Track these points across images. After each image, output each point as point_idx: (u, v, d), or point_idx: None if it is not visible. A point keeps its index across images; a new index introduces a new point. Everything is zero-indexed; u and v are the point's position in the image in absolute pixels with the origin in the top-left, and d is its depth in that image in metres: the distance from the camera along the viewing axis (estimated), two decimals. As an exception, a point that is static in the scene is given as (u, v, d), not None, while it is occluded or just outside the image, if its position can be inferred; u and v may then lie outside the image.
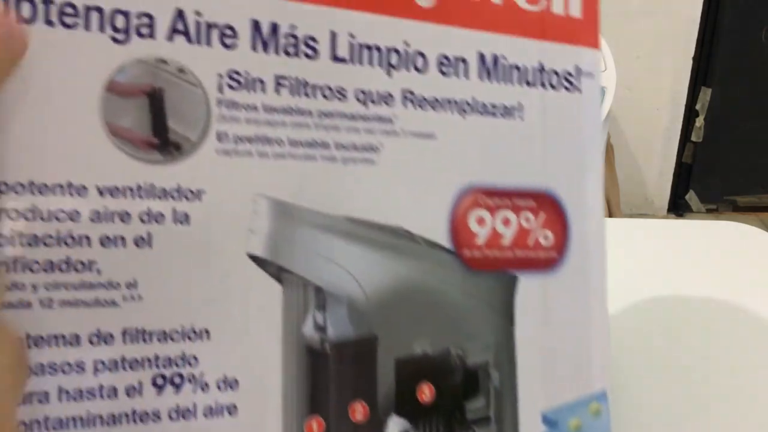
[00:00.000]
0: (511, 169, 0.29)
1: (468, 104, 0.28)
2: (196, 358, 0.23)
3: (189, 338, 0.23)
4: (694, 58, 2.10)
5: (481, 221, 0.28)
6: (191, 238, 0.23)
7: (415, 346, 0.27)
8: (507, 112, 0.29)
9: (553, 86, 0.30)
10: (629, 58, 1.96)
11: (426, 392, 0.27)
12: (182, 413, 0.23)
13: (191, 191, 0.23)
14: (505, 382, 0.28)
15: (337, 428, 0.25)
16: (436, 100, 0.28)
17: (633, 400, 0.54)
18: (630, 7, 1.95)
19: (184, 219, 0.23)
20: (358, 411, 0.26)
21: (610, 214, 1.79)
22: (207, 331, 0.23)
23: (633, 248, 0.74)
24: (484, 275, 0.28)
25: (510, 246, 0.29)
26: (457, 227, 0.28)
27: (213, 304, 0.24)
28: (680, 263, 0.71)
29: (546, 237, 0.30)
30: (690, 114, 2.14)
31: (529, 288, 0.29)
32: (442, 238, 0.28)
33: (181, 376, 0.23)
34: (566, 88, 0.31)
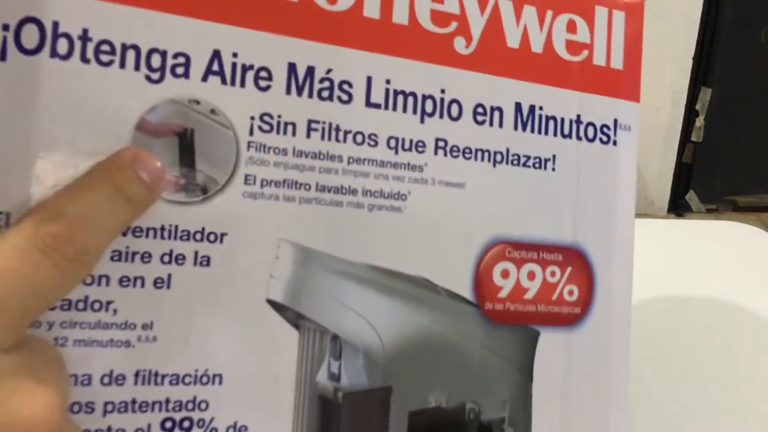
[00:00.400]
0: (540, 221, 0.29)
1: (500, 154, 0.28)
2: (207, 403, 0.23)
3: (201, 382, 0.23)
4: (694, 58, 2.07)
5: (505, 274, 0.28)
6: (211, 281, 0.23)
7: (430, 398, 0.26)
8: (540, 163, 0.29)
9: (589, 139, 0.30)
10: None
11: (437, 447, 0.27)
12: (191, 458, 0.23)
13: (214, 234, 0.23)
14: (519, 440, 0.28)
15: (345, 479, 0.25)
16: (469, 149, 0.27)
17: (634, 400, 0.54)
18: None
19: (205, 261, 0.23)
20: (368, 463, 0.25)
21: None
22: (220, 376, 0.23)
23: (634, 248, 0.73)
24: (505, 329, 0.28)
25: (533, 300, 0.28)
26: (481, 279, 0.27)
27: (228, 348, 0.23)
28: (680, 263, 0.71)
29: (571, 292, 0.29)
30: (690, 114, 2.11)
31: (550, 343, 0.29)
32: (465, 290, 0.27)
33: (190, 420, 0.23)
34: (602, 141, 0.30)
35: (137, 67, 0.22)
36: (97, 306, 0.22)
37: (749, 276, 0.69)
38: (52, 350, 0.20)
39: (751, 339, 0.61)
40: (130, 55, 0.22)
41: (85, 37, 0.22)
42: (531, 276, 0.28)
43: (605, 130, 0.30)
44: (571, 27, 0.29)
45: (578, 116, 0.30)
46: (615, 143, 0.30)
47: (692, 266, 0.70)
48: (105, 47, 0.22)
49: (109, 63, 0.22)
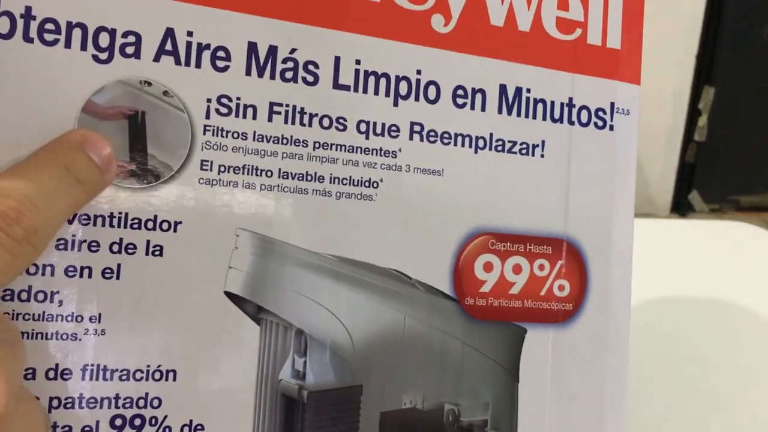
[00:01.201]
0: (527, 211, 0.27)
1: (483, 139, 0.26)
2: (159, 400, 0.22)
3: (154, 378, 0.22)
4: (697, 57, 2.02)
5: (488, 267, 0.26)
6: (163, 271, 0.22)
7: (404, 398, 0.25)
8: (527, 149, 0.27)
9: (582, 123, 0.28)
10: None
11: (412, 449, 0.25)
12: (140, 458, 0.22)
13: (167, 222, 0.22)
14: (503, 444, 0.26)
15: (310, 483, 0.24)
16: (447, 134, 0.26)
17: (636, 399, 0.53)
18: None
19: (157, 251, 0.22)
20: (334, 466, 0.24)
21: None
22: (174, 372, 0.22)
23: (635, 248, 0.72)
24: (488, 326, 0.26)
25: (520, 295, 0.27)
26: (461, 273, 0.26)
27: (182, 343, 0.22)
28: (683, 263, 0.70)
29: (561, 287, 0.27)
30: (693, 113, 2.07)
31: (538, 341, 0.27)
32: (444, 284, 0.26)
33: (142, 418, 0.22)
34: (597, 126, 0.28)
35: (84, 47, 0.21)
36: (41, 297, 0.21)
37: (752, 276, 0.68)
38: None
39: (754, 339, 0.60)
40: (77, 33, 0.21)
41: (28, 15, 0.21)
42: (517, 269, 0.27)
43: (600, 113, 0.28)
44: (563, 4, 0.28)
45: (570, 99, 0.28)
46: (611, 128, 0.28)
47: (695, 266, 0.70)
48: (49, 26, 0.21)
49: (54, 42, 0.21)
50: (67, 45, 0.21)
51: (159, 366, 0.22)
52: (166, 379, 0.22)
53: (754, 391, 0.54)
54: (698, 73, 2.02)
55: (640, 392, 0.54)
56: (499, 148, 0.26)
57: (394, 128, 0.25)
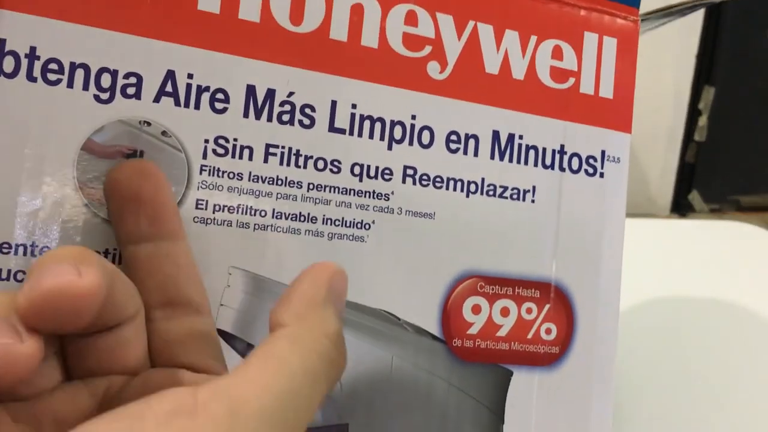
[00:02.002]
0: (516, 255, 0.27)
1: (474, 184, 0.27)
2: None
3: None
4: (697, 57, 2.03)
5: (477, 309, 0.27)
6: None
7: (389, 438, 0.25)
8: (518, 194, 0.27)
9: (573, 170, 0.28)
10: None
11: (395, 489, 0.25)
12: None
13: None
14: (486, 486, 0.27)
15: None
16: (440, 178, 0.26)
17: (636, 399, 0.53)
18: None
19: None
20: (318, 504, 0.24)
21: None
22: None
23: (635, 248, 0.72)
24: (475, 367, 0.27)
25: (507, 338, 0.27)
26: (450, 315, 0.26)
27: None
28: (683, 263, 0.70)
29: (549, 330, 0.28)
30: (693, 113, 2.08)
31: (524, 384, 0.27)
32: (432, 325, 0.26)
33: None
34: (588, 173, 0.29)
35: (86, 87, 0.22)
36: None
37: (752, 276, 0.68)
38: None
39: (754, 339, 0.60)
40: (79, 74, 0.22)
41: (32, 56, 0.21)
42: (505, 312, 0.27)
43: (591, 161, 0.29)
44: (557, 53, 0.28)
45: (562, 146, 0.28)
46: (602, 175, 0.29)
47: (695, 266, 0.70)
48: (53, 66, 0.22)
49: (57, 82, 0.22)
50: (70, 85, 0.22)
51: None
52: None
53: (755, 391, 0.54)
54: (698, 73, 2.03)
55: (639, 392, 0.54)
56: (491, 192, 0.27)
57: (387, 171, 0.25)
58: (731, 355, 0.58)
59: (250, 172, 0.24)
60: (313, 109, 0.25)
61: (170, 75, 0.23)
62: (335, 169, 0.25)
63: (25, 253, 0.21)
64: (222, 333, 0.23)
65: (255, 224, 0.24)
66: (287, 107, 0.24)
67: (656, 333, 0.61)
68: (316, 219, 0.25)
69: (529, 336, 0.27)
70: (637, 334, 0.61)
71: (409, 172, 0.26)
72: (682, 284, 0.66)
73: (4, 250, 0.21)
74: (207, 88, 0.23)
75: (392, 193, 0.26)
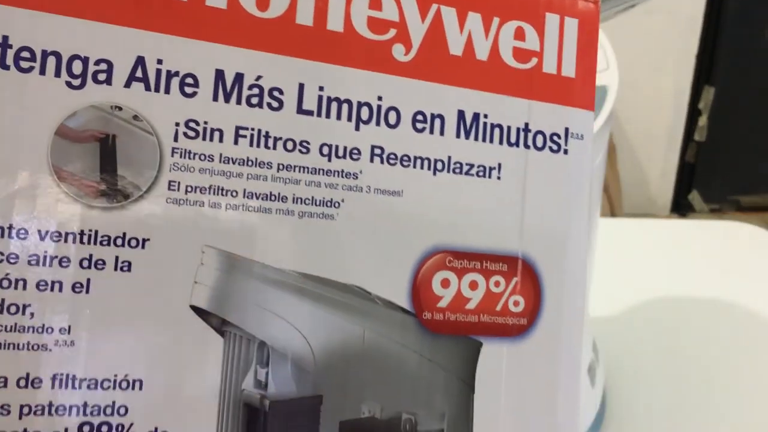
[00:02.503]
0: (483, 230, 0.28)
1: (441, 162, 0.28)
2: (126, 408, 0.23)
3: (121, 387, 0.23)
4: (697, 57, 2.04)
5: (446, 283, 0.27)
6: (131, 286, 0.23)
7: (363, 408, 0.26)
8: (484, 171, 0.28)
9: (537, 147, 0.29)
10: (631, 56, 1.92)
11: (370, 457, 0.26)
12: (106, 464, 0.23)
13: (136, 239, 0.23)
14: (458, 453, 0.28)
15: (270, 489, 0.25)
16: (407, 156, 0.27)
17: (636, 399, 0.54)
18: None
19: (126, 267, 0.23)
20: (294, 472, 0.25)
21: (612, 214, 1.75)
22: (140, 382, 0.23)
23: (635, 248, 0.74)
24: (445, 339, 0.27)
25: (476, 310, 0.28)
26: (419, 289, 0.27)
27: (149, 354, 0.23)
28: (683, 263, 0.72)
29: (516, 303, 0.29)
30: (693, 113, 2.09)
31: (493, 354, 0.28)
32: (402, 299, 0.27)
33: (109, 425, 0.23)
34: (552, 150, 0.30)
35: (58, 74, 0.23)
36: (13, 309, 0.22)
37: (752, 276, 0.69)
38: None
39: (754, 339, 0.61)
40: (51, 61, 0.23)
41: (5, 44, 0.22)
42: (473, 286, 0.28)
43: (555, 138, 0.30)
44: (520, 34, 0.29)
45: (526, 124, 0.29)
46: (566, 152, 0.30)
47: (695, 266, 0.70)
48: (25, 54, 0.22)
49: (29, 69, 0.22)
50: (42, 72, 0.23)
51: (126, 376, 0.23)
52: (133, 388, 0.23)
53: (754, 391, 0.55)
54: (698, 73, 2.05)
55: (639, 391, 0.55)
56: (457, 170, 0.28)
57: (355, 151, 0.26)
58: (731, 355, 0.59)
59: (220, 154, 0.24)
60: (281, 91, 0.25)
61: (140, 61, 0.24)
62: (304, 150, 0.26)
63: (2, 236, 0.22)
64: (197, 309, 0.24)
65: (227, 204, 0.24)
66: (256, 90, 0.25)
67: (656, 332, 0.62)
68: (287, 198, 0.25)
69: (498, 308, 0.28)
70: (637, 334, 0.62)
71: (377, 151, 0.27)
72: (681, 284, 0.67)
73: (-18, 233, 0.22)
74: (176, 73, 0.24)
75: (360, 172, 0.26)
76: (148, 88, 0.24)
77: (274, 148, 0.25)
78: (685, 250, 0.74)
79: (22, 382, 0.22)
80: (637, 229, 0.81)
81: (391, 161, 0.27)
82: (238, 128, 0.25)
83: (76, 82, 0.23)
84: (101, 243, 0.23)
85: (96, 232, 0.23)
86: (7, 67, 0.22)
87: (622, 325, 0.63)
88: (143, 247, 0.23)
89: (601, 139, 0.38)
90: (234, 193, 0.25)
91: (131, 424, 0.23)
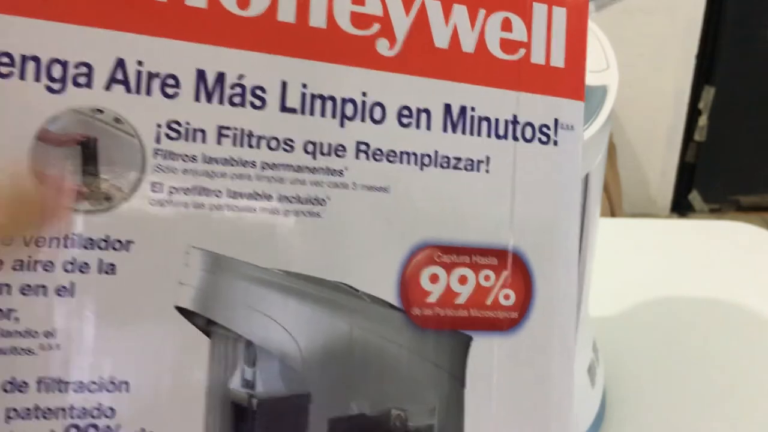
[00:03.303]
0: (472, 224, 0.28)
1: (428, 157, 0.27)
2: (113, 410, 0.23)
3: (107, 390, 0.23)
4: (697, 57, 2.03)
5: (434, 279, 0.27)
6: (116, 288, 0.23)
7: (352, 405, 0.26)
8: (472, 165, 0.28)
9: (526, 139, 0.29)
10: (631, 56, 1.91)
11: (360, 454, 0.26)
12: (94, 466, 0.23)
13: (119, 242, 0.23)
14: (450, 447, 0.28)
15: (260, 487, 0.25)
16: (393, 152, 0.27)
17: (635, 398, 0.54)
18: (631, 4, 1.89)
19: (110, 269, 0.23)
20: (284, 470, 0.25)
21: (612, 214, 1.75)
22: (126, 384, 0.23)
23: (636, 248, 0.74)
24: (434, 334, 0.27)
25: (465, 305, 0.28)
26: (408, 284, 0.27)
27: (135, 356, 0.23)
28: (683, 263, 0.72)
29: (507, 296, 0.28)
30: (693, 113, 2.09)
31: (484, 349, 0.28)
32: (390, 295, 0.27)
33: (96, 427, 0.23)
34: (541, 141, 0.29)
35: (38, 78, 0.23)
36: None
37: (752, 276, 0.68)
38: None
39: (754, 339, 0.61)
40: (30, 66, 0.23)
41: None
42: (462, 280, 0.28)
43: (545, 129, 0.29)
44: (506, 25, 0.29)
45: (514, 116, 0.29)
46: (555, 143, 0.30)
47: (695, 266, 0.70)
48: (4, 59, 0.22)
49: (9, 75, 0.22)
50: (22, 77, 0.23)
51: (112, 378, 0.23)
52: (119, 390, 0.23)
53: (754, 390, 0.54)
54: (698, 73, 2.04)
55: (639, 391, 0.55)
56: (445, 164, 0.28)
57: (340, 148, 0.26)
58: (731, 355, 0.59)
59: (203, 154, 0.24)
60: (263, 90, 0.25)
61: (120, 63, 0.24)
62: (288, 148, 0.26)
63: (-15, 241, 0.22)
64: (182, 310, 0.24)
65: (210, 204, 0.24)
66: (238, 90, 0.25)
67: (656, 332, 0.62)
68: (272, 197, 0.25)
69: (488, 302, 0.28)
70: (637, 334, 0.62)
71: (362, 147, 0.27)
72: (682, 284, 0.67)
73: (-34, 239, 0.22)
74: (157, 74, 0.24)
75: (346, 168, 0.26)
76: (128, 90, 0.24)
77: (258, 147, 0.25)
78: (685, 250, 0.74)
79: (9, 387, 0.22)
80: (637, 229, 0.81)
81: (377, 157, 0.27)
82: (220, 128, 0.25)
83: (57, 86, 0.23)
84: (85, 246, 0.23)
85: (80, 235, 0.23)
86: (-14, 73, 0.22)
87: (622, 325, 0.63)
88: (127, 249, 0.23)
89: (601, 139, 0.38)
90: (218, 194, 0.25)
91: (118, 426, 0.23)
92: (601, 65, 0.39)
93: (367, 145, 0.27)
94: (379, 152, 0.27)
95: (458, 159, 0.28)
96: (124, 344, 0.23)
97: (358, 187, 0.26)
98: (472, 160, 0.28)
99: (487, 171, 0.28)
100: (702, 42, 2.09)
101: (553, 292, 0.29)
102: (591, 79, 0.38)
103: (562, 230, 0.30)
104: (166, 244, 0.24)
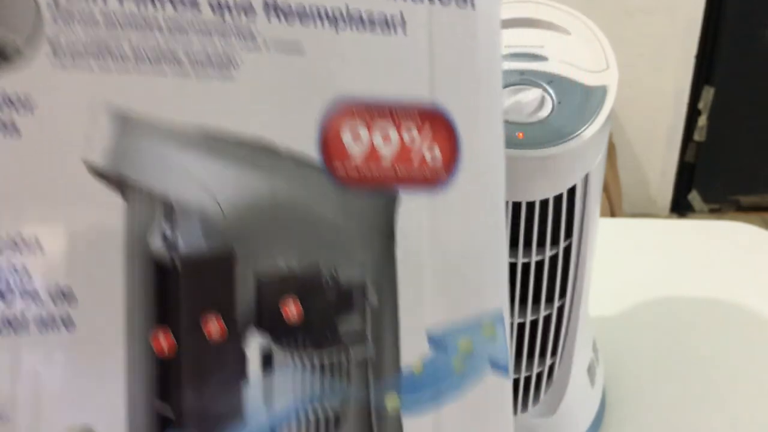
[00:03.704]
0: (392, 82, 0.28)
1: (341, 15, 0.27)
2: (26, 269, 0.23)
3: (18, 250, 0.23)
4: (697, 57, 2.04)
5: (356, 137, 0.27)
6: (23, 151, 0.23)
7: (280, 261, 0.26)
8: (387, 25, 0.28)
9: (442, 1, 0.29)
10: (631, 56, 1.93)
11: (291, 309, 0.26)
12: (13, 326, 0.23)
13: (21, 103, 0.23)
14: (385, 300, 0.27)
15: (189, 344, 0.25)
16: (303, 8, 0.27)
17: (635, 398, 0.54)
18: (632, 4, 1.91)
19: (14, 132, 0.23)
20: (213, 326, 0.25)
21: (612, 214, 1.76)
22: (38, 242, 0.23)
23: (635, 248, 0.74)
24: (359, 193, 0.27)
25: (390, 163, 0.28)
26: (328, 142, 0.27)
27: (47, 216, 0.23)
28: (683, 263, 0.72)
29: (433, 154, 0.28)
30: (693, 113, 2.10)
31: (413, 206, 0.28)
32: (311, 152, 0.27)
33: (9, 285, 0.23)
34: (457, 4, 0.29)
35: None
36: None
37: (752, 276, 0.69)
38: None
39: (754, 338, 0.61)
40: None
41: None
42: (386, 138, 0.28)
43: None
44: None
45: (428, -24, 0.29)
46: (473, 6, 0.29)
47: (695, 266, 0.70)
48: None
49: None
50: None
51: (22, 236, 0.23)
52: (30, 249, 0.23)
53: (754, 390, 0.54)
54: (698, 73, 2.05)
55: (639, 391, 0.55)
56: (360, 26, 0.27)
57: (247, 6, 0.26)
58: (731, 355, 0.58)
59: (104, 14, 0.24)
60: None
61: None
62: (194, 8, 0.25)
63: None
64: (93, 169, 0.24)
65: (117, 67, 0.24)
66: None
67: (656, 332, 0.62)
68: (181, 60, 0.25)
69: (413, 159, 0.28)
70: (637, 333, 0.62)
71: (271, 6, 0.26)
72: (682, 284, 0.67)
73: None
74: None
75: (256, 30, 0.26)
76: (20, -53, 0.23)
77: (162, 7, 0.25)
78: (685, 250, 0.74)
79: None
80: (637, 229, 0.80)
81: (288, 16, 0.26)
82: None
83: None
84: None
85: None
86: None
87: (622, 325, 0.63)
88: (31, 112, 0.23)
89: (601, 139, 0.38)
90: (123, 56, 0.24)
91: (33, 285, 0.23)
92: (601, 65, 0.39)
93: (275, 3, 0.26)
94: (289, 10, 0.26)
95: (372, 17, 0.28)
96: (35, 203, 0.23)
97: (270, 49, 0.26)
98: (385, 16, 0.28)
99: (404, 33, 0.28)
100: (702, 42, 2.09)
101: (479, 149, 0.29)
102: (591, 79, 0.38)
103: (482, 89, 0.29)
104: (72, 106, 0.24)
